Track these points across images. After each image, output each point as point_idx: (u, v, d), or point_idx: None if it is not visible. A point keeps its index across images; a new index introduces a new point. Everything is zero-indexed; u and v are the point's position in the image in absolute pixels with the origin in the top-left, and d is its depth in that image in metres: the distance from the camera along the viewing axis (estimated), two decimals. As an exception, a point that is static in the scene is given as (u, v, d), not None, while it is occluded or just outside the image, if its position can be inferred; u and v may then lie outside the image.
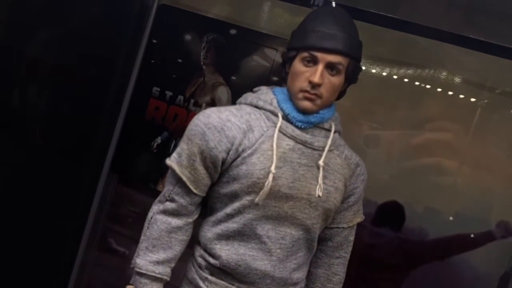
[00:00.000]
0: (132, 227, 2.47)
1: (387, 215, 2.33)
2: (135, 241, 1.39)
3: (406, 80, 2.29)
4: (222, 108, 1.29)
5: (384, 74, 2.32)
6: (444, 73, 2.27)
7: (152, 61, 2.39)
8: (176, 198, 1.26)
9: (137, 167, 2.39)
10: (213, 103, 2.33)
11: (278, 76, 2.23)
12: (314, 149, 1.26)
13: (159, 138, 2.36)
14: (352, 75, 1.25)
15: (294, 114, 1.25)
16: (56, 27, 2.08)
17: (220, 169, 1.25)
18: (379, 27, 2.16)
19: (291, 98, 1.26)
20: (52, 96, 2.19)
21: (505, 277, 2.16)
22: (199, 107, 2.34)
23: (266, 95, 1.31)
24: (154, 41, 2.39)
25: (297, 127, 1.25)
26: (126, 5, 2.34)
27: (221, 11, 2.42)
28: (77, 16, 2.13)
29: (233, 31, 2.31)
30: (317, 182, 1.24)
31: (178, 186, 1.26)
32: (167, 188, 1.28)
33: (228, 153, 1.23)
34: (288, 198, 1.23)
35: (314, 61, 1.21)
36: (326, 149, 1.26)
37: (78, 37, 2.13)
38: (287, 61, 1.28)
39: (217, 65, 2.33)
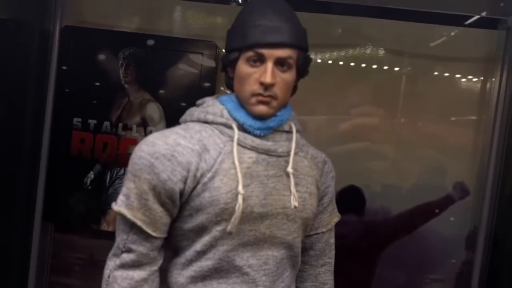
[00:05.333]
0: (80, 276, 2.22)
1: (347, 201, 2.26)
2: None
3: (330, 62, 2.25)
4: (167, 131, 1.11)
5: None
6: (365, 48, 2.25)
7: (67, 90, 2.15)
8: (134, 247, 1.07)
9: (73, 210, 2.15)
10: (144, 123, 2.14)
11: (210, 81, 2.09)
12: (279, 156, 1.13)
13: (91, 173, 2.13)
14: (303, 67, 1.13)
15: (250, 122, 1.11)
16: None
17: (179, 202, 1.08)
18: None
19: (243, 104, 1.12)
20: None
21: (471, 236, 2.18)
22: (129, 130, 2.13)
23: (213, 106, 1.15)
24: (64, 67, 2.14)
25: (256, 135, 1.11)
26: (24, 34, 2.07)
27: (132, 23, 2.22)
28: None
29: (150, 42, 2.12)
30: (290, 191, 1.11)
31: (133, 232, 1.07)
32: (120, 237, 1.09)
33: (185, 183, 1.06)
34: (263, 218, 1.09)
35: (261, 60, 1.08)
36: (292, 153, 1.14)
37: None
38: (229, 64, 1.13)
39: (140, 82, 2.14)
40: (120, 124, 2.13)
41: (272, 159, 1.12)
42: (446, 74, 2.23)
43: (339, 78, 2.25)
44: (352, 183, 2.24)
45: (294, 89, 1.20)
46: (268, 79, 1.05)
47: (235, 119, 1.11)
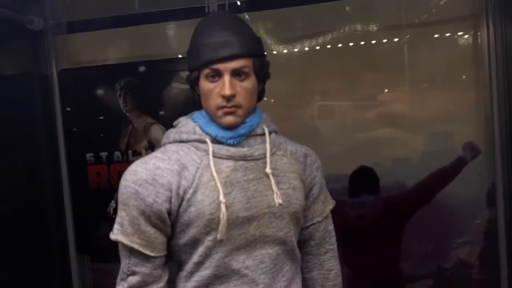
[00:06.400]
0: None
1: (360, 182, 2.29)
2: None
3: (329, 46, 2.27)
4: (147, 158, 1.19)
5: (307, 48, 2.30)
6: (359, 27, 2.27)
7: (74, 129, 2.27)
8: (137, 269, 1.15)
9: (103, 239, 2.25)
10: (151, 146, 2.23)
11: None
12: (257, 159, 1.18)
13: (112, 201, 2.24)
14: (261, 72, 1.18)
15: (221, 133, 1.17)
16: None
17: (169, 221, 1.15)
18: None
19: (213, 118, 1.18)
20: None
21: (491, 193, 2.16)
22: (139, 155, 2.23)
23: (186, 126, 1.22)
24: (68, 109, 2.26)
25: (230, 145, 1.17)
26: (25, 83, 2.20)
27: (122, 54, 2.32)
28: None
29: (142, 68, 2.21)
30: (272, 191, 1.17)
31: (133, 256, 1.15)
32: (124, 263, 1.17)
33: (170, 202, 1.13)
34: (250, 220, 1.15)
35: (218, 74, 1.13)
36: (268, 155, 1.19)
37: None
38: (193, 83, 1.20)
39: (140, 108, 2.23)
40: (130, 151, 2.23)
41: (250, 163, 1.17)
42: (436, 36, 2.22)
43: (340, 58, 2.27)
44: (362, 163, 2.25)
45: (262, 92, 1.25)
46: (227, 91, 1.11)
47: (207, 134, 1.17)
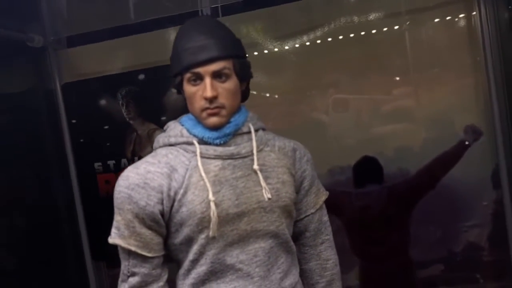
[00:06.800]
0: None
1: (364, 172, 2.30)
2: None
3: (340, 37, 2.29)
4: (138, 163, 1.23)
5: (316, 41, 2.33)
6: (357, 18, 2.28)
7: (81, 140, 2.34)
8: (136, 270, 1.20)
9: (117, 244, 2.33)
10: (156, 151, 2.28)
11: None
12: (244, 157, 1.22)
13: (123, 207, 2.30)
14: (243, 72, 1.22)
15: (208, 134, 1.20)
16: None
17: (163, 222, 1.20)
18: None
19: (199, 120, 1.22)
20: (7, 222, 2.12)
21: (496, 174, 2.16)
22: (145, 160, 2.28)
23: (174, 129, 1.26)
24: (74, 121, 2.33)
25: (217, 145, 1.21)
26: (29, 99, 2.28)
27: (122, 62, 2.38)
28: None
29: (141, 76, 2.27)
30: (261, 186, 1.20)
31: (132, 258, 1.20)
32: (123, 265, 1.22)
33: (162, 204, 1.18)
34: (240, 216, 1.19)
35: (199, 78, 1.17)
36: (255, 152, 1.22)
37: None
38: (178, 88, 1.24)
39: (142, 115, 2.29)
40: (136, 158, 2.29)
41: (238, 161, 1.21)
42: (434, 21, 2.22)
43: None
44: (365, 153, 2.27)
45: (246, 92, 1.29)
46: (208, 93, 1.15)
47: (194, 135, 1.21)
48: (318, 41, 2.37)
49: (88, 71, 2.37)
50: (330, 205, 2.35)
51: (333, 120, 2.34)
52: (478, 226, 2.21)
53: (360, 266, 2.34)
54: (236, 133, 1.23)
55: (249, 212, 1.19)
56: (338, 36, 2.31)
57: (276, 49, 2.38)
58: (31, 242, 2.16)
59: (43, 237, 2.23)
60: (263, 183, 1.20)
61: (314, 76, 2.36)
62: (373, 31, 2.27)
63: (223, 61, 1.17)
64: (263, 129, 1.31)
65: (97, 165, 2.32)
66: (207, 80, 1.16)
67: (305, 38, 2.35)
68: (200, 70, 1.16)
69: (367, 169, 2.29)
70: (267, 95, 2.45)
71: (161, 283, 1.23)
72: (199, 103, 1.18)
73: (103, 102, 2.31)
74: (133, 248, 1.18)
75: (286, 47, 2.39)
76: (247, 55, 1.28)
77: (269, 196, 1.20)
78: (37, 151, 2.28)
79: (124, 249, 1.20)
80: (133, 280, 1.21)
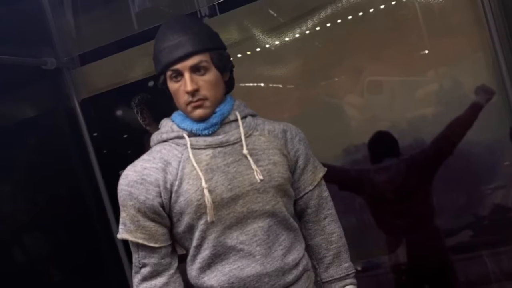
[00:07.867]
0: None
1: (379, 147, 2.30)
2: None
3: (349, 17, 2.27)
4: (136, 162, 1.32)
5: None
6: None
7: (104, 151, 2.46)
8: (146, 261, 1.28)
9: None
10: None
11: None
12: (234, 143, 1.27)
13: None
14: (221, 64, 1.27)
15: (196, 126, 1.27)
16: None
17: (164, 213, 1.27)
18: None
19: (186, 115, 1.29)
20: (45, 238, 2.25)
21: (513, 132, 2.11)
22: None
23: (165, 126, 1.34)
24: (95, 134, 2.45)
25: (206, 135, 1.27)
26: (51, 119, 2.42)
27: (133, 72, 2.47)
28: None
29: (151, 83, 2.36)
30: (252, 169, 1.25)
31: (141, 250, 1.28)
32: (134, 258, 1.30)
33: (160, 196, 1.25)
34: (235, 200, 1.24)
35: (180, 74, 1.24)
36: (243, 137, 1.27)
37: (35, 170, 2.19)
38: (163, 86, 1.31)
39: (157, 120, 2.33)
40: (156, 161, 2.39)
41: (228, 148, 1.26)
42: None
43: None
44: (378, 129, 2.26)
45: (231, 82, 1.34)
46: (188, 87, 1.21)
47: (184, 129, 1.28)
48: (325, 25, 2.35)
49: (102, 85, 2.48)
50: (350, 184, 2.38)
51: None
52: (502, 187, 2.17)
53: (387, 240, 2.34)
54: (224, 122, 1.28)
55: (243, 194, 1.24)
56: (336, 20, 2.30)
57: (287, 38, 2.40)
58: (72, 254, 2.28)
59: (82, 247, 2.35)
60: (254, 166, 1.25)
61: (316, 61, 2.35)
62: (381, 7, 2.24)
63: (199, 55, 1.23)
64: (253, 115, 1.36)
65: (121, 172, 2.43)
66: (186, 75, 1.22)
67: (312, 21, 2.34)
68: (179, 66, 1.23)
69: (382, 144, 2.29)
70: (280, 86, 2.47)
71: (171, 271, 1.30)
72: (182, 98, 1.25)
73: (119, 112, 2.43)
74: (140, 241, 1.26)
75: (291, 36, 2.39)
76: (225, 48, 1.33)
77: (261, 177, 1.25)
78: (66, 167, 2.42)
79: (132, 242, 1.28)
80: (145, 270, 1.29)
